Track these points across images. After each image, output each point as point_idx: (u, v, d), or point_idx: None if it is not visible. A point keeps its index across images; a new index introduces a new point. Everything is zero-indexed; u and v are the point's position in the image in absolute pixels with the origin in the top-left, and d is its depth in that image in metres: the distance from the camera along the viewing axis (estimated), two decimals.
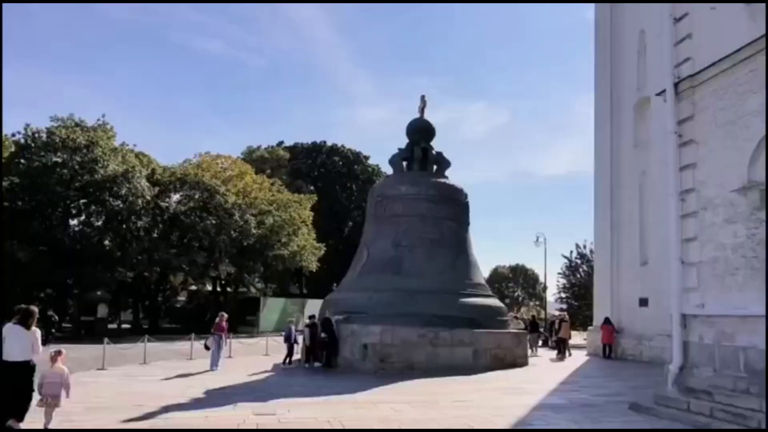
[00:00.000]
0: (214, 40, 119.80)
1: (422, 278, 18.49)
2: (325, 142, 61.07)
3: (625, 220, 24.06)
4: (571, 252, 39.38)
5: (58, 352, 8.51)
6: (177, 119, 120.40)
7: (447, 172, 21.45)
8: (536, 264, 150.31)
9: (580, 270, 38.88)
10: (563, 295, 40.20)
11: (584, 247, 39.03)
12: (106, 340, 17.70)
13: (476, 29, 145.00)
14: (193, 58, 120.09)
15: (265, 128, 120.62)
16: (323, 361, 17.45)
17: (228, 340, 18.25)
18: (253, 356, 21.76)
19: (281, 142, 61.17)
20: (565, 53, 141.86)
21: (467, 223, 20.82)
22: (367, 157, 61.11)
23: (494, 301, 20.04)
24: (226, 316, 18.41)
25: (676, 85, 12.61)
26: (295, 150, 59.91)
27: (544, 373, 16.93)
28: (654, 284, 21.43)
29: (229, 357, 21.02)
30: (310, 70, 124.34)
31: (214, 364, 17.00)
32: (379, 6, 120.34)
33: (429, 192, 19.90)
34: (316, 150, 60.44)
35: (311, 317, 19.23)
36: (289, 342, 18.65)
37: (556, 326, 26.33)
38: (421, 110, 21.72)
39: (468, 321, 17.75)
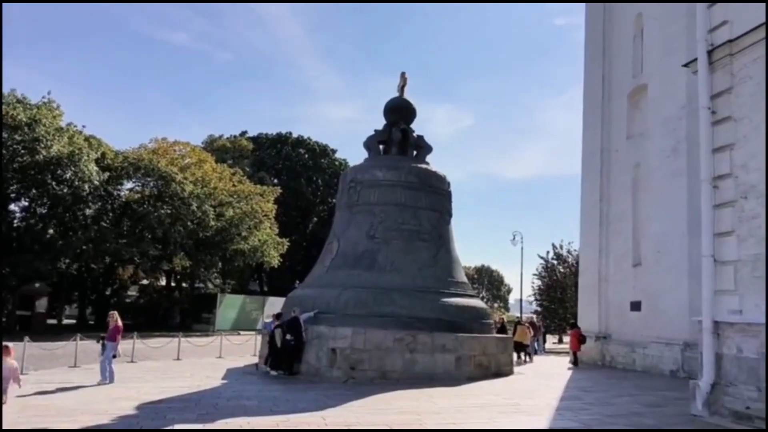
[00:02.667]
0: (179, 31, 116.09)
1: (399, 274, 16.36)
2: (290, 133, 58.35)
3: (615, 216, 22.28)
4: (548, 252, 37.76)
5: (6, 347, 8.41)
6: (137, 108, 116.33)
7: (428, 158, 19.35)
8: (500, 265, 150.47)
9: (557, 271, 37.21)
10: (538, 297, 38.50)
11: (561, 247, 37.47)
12: (26, 338, 15.07)
13: (443, 31, 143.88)
14: (157, 48, 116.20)
15: (229, 121, 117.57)
16: (283, 366, 15.09)
17: (119, 346, 13.48)
18: (206, 358, 19.41)
19: (244, 132, 58.34)
20: (531, 58, 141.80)
21: (450, 215, 18.68)
22: (334, 151, 58.59)
23: (477, 302, 18.01)
24: (116, 314, 13.86)
25: (709, 53, 10.80)
26: (259, 141, 57.14)
27: (535, 385, 14.91)
28: (648, 286, 19.79)
29: (177, 359, 18.66)
30: (276, 66, 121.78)
31: (104, 376, 12.98)
32: (347, 5, 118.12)
33: (408, 178, 17.67)
34: (281, 141, 57.65)
35: (278, 316, 16.70)
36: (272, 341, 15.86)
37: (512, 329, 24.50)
38: (401, 89, 19.54)
39: (450, 324, 15.70)
